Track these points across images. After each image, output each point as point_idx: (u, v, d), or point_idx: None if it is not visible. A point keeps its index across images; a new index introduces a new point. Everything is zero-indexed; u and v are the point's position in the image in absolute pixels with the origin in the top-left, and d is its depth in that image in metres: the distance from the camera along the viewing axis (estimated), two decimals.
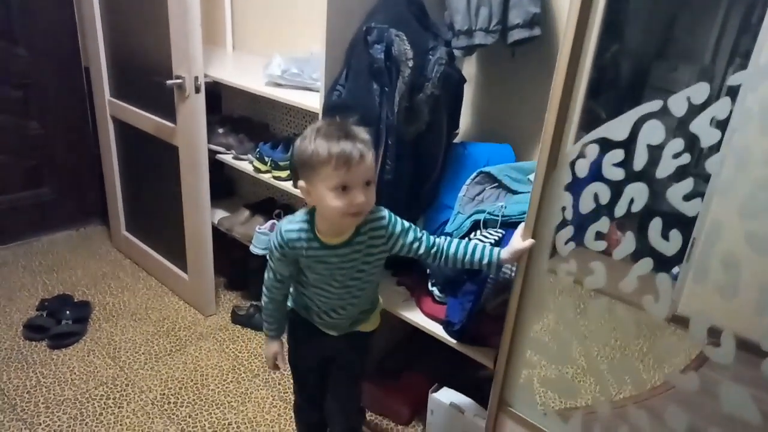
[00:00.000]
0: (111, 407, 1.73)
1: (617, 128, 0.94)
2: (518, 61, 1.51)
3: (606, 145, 0.97)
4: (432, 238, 1.19)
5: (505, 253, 1.14)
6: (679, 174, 0.88)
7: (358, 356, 1.33)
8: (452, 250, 1.17)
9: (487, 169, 1.44)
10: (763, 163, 0.80)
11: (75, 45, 2.52)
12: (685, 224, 0.90)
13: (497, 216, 1.33)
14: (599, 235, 1.00)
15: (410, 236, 1.17)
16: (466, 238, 1.27)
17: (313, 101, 1.64)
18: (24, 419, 1.66)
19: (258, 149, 1.94)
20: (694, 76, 1.48)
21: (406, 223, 1.18)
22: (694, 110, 0.84)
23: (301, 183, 1.10)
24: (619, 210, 0.95)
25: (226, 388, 1.84)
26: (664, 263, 0.93)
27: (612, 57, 1.59)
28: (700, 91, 0.83)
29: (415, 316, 1.49)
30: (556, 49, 1.45)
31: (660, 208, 0.91)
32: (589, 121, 1.01)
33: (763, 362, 0.82)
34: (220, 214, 2.27)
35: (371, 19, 1.34)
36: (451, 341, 1.40)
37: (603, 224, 0.98)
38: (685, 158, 0.87)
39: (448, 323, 1.39)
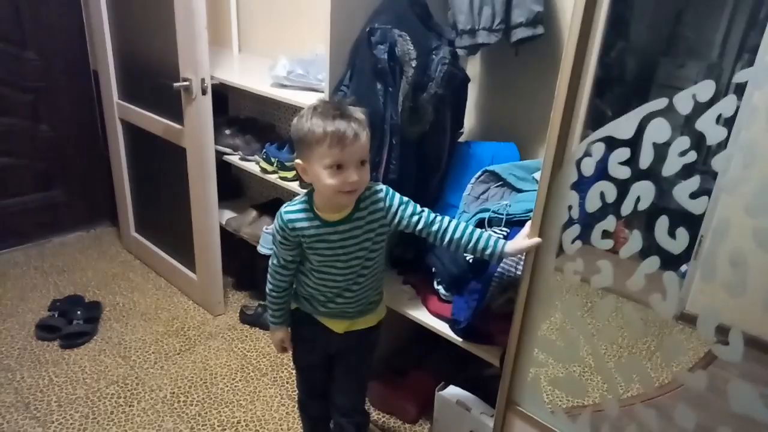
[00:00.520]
0: (122, 406, 1.75)
1: (623, 127, 0.93)
2: (522, 59, 1.50)
3: (612, 143, 0.96)
4: (433, 215, 1.19)
5: (508, 247, 1.14)
6: (686, 172, 0.88)
7: (364, 352, 1.34)
8: (457, 234, 1.16)
9: (491, 167, 1.44)
10: None
11: (83, 49, 2.55)
12: (693, 222, 0.90)
13: (502, 214, 1.33)
14: (606, 234, 0.99)
15: (409, 209, 1.17)
16: (473, 229, 1.26)
17: None
18: (37, 417, 1.68)
19: (264, 150, 1.95)
20: (702, 73, 1.47)
21: (405, 198, 1.18)
22: (700, 108, 0.84)
23: (297, 161, 1.11)
24: (626, 208, 0.95)
25: (235, 386, 1.85)
26: (671, 261, 0.93)
27: (618, 54, 1.58)
28: (705, 89, 0.83)
29: (421, 315, 1.50)
30: (559, 48, 1.45)
31: (667, 206, 0.91)
32: (596, 120, 1.01)
33: None
34: (228, 214, 2.28)
35: (375, 20, 1.34)
36: (457, 339, 1.40)
37: (609, 223, 0.98)
38: (692, 156, 0.86)
39: (454, 321, 1.39)
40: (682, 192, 0.87)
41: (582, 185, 1.02)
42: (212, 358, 1.98)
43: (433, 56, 1.38)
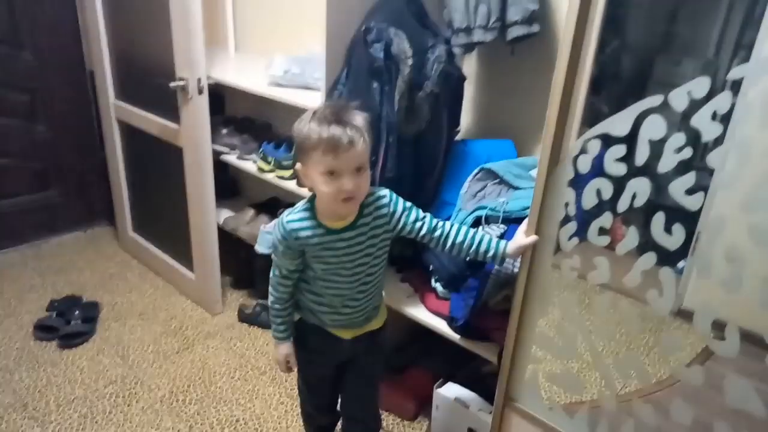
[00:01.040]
0: (120, 405, 1.75)
1: (619, 123, 0.93)
2: (517, 57, 1.50)
3: (608, 140, 0.97)
4: (435, 220, 1.17)
5: (510, 247, 1.13)
6: (681, 168, 0.88)
7: (375, 357, 1.31)
8: (459, 238, 1.15)
9: (488, 165, 1.44)
10: (764, 156, 0.80)
11: (79, 49, 2.54)
12: (689, 218, 0.90)
13: (499, 212, 1.33)
14: (602, 231, 1.00)
15: (413, 215, 1.16)
16: (475, 232, 1.26)
17: (315, 101, 1.64)
18: (36, 417, 1.68)
19: (261, 149, 1.95)
20: (698, 70, 1.48)
21: (408, 203, 1.17)
22: (695, 104, 0.84)
23: (297, 165, 1.09)
24: (622, 205, 0.95)
25: (234, 385, 1.85)
26: (668, 258, 0.93)
27: (614, 52, 1.59)
28: (700, 86, 0.83)
29: (419, 313, 1.50)
30: (555, 46, 1.45)
31: (663, 202, 0.91)
32: (593, 117, 1.01)
33: (767, 355, 0.82)
34: (225, 214, 2.28)
35: (370, 19, 1.34)
36: (455, 337, 1.40)
37: (606, 219, 0.98)
38: (687, 153, 0.87)
39: (452, 319, 1.40)
40: (677, 188, 0.87)
41: (579, 182, 1.02)
42: (211, 357, 1.98)
43: (429, 55, 1.39)
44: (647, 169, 0.92)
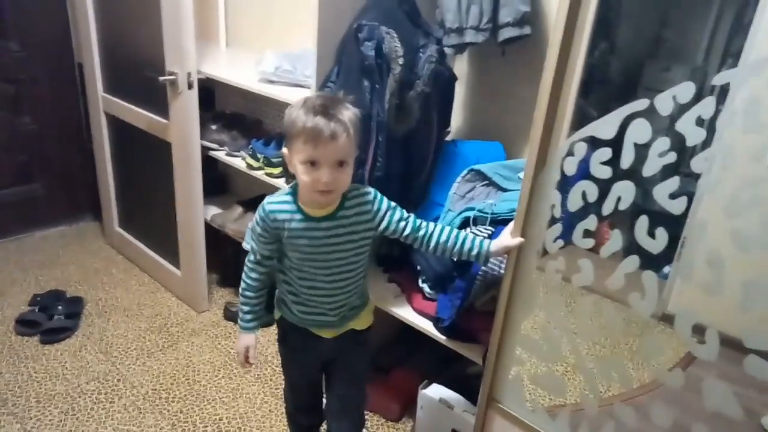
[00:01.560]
0: (102, 402, 1.73)
1: (605, 127, 0.94)
2: (509, 59, 1.51)
3: (595, 143, 0.97)
4: (419, 221, 1.17)
5: (493, 246, 1.14)
6: (666, 172, 0.89)
7: (358, 354, 1.29)
8: (442, 237, 1.15)
9: (477, 166, 1.44)
10: (746, 161, 0.81)
11: (68, 40, 2.51)
12: (675, 223, 0.91)
13: (487, 213, 1.33)
14: (587, 233, 1.00)
15: (396, 215, 1.16)
16: (458, 232, 1.26)
17: None
18: (15, 413, 1.66)
19: (251, 146, 1.94)
20: (687, 76, 1.49)
21: (392, 203, 1.17)
22: (680, 109, 0.85)
23: (284, 149, 1.10)
24: (607, 208, 0.96)
25: (218, 383, 1.84)
26: (651, 261, 0.94)
27: (604, 56, 1.60)
28: (685, 90, 0.84)
29: (406, 313, 1.50)
30: (546, 48, 1.45)
31: (649, 206, 0.92)
32: (582, 121, 1.02)
33: (745, 359, 0.83)
34: (213, 210, 2.26)
35: (362, 17, 1.34)
36: (441, 337, 1.40)
37: (591, 222, 0.99)
38: (672, 157, 0.87)
39: (438, 319, 1.40)
40: (661, 192, 0.88)
41: (565, 184, 1.02)
42: (195, 355, 1.96)
43: (421, 54, 1.38)
44: (632, 173, 0.92)
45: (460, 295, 1.34)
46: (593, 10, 0.97)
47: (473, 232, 1.32)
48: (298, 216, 1.11)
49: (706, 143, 0.86)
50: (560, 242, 1.05)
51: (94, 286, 2.31)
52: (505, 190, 1.44)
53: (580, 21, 0.95)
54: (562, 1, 0.93)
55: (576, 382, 1.13)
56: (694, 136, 0.84)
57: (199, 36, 2.07)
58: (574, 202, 1.00)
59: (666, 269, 1.24)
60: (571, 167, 1.00)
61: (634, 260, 0.94)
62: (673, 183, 0.87)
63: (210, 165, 2.18)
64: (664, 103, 0.86)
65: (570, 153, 1.00)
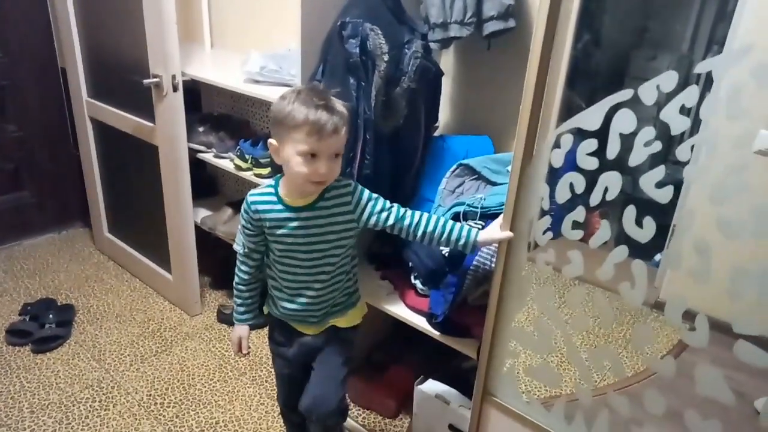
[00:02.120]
0: (97, 410, 1.71)
1: (590, 118, 0.94)
2: (494, 53, 1.51)
3: (581, 134, 0.97)
4: (403, 209, 1.18)
5: (481, 236, 1.15)
6: (652, 162, 0.89)
7: (338, 351, 1.28)
8: (429, 227, 1.16)
9: (466, 161, 1.44)
10: (731, 148, 0.81)
11: (51, 46, 2.48)
12: (664, 212, 0.91)
13: (477, 208, 1.33)
14: (576, 224, 1.00)
15: (378, 205, 1.17)
16: (445, 221, 1.26)
17: None
18: (8, 425, 1.64)
19: (239, 147, 1.93)
20: (672, 65, 1.50)
21: (374, 194, 1.18)
22: (664, 98, 0.85)
23: (272, 141, 1.11)
24: (594, 199, 0.96)
25: (213, 387, 1.83)
26: (641, 250, 0.94)
27: (590, 48, 1.60)
28: (669, 79, 0.84)
29: (399, 310, 1.50)
30: (531, 41, 1.46)
31: (638, 195, 0.92)
32: (570, 113, 1.02)
33: (735, 344, 0.84)
34: (203, 213, 2.25)
35: (346, 14, 1.33)
36: (435, 333, 1.40)
37: (579, 213, 0.99)
38: (657, 146, 0.88)
39: (431, 315, 1.39)
40: (647, 182, 0.88)
41: (552, 176, 1.02)
42: (189, 359, 1.95)
43: (406, 50, 1.38)
44: (618, 163, 0.93)
45: (453, 290, 1.33)
46: (578, 1, 0.97)
47: None
48: (278, 206, 1.15)
49: (692, 132, 0.86)
50: (549, 234, 1.05)
51: (85, 293, 2.29)
52: (494, 183, 1.44)
53: (564, 12, 0.95)
54: None
55: (570, 373, 1.14)
56: (678, 124, 0.84)
57: (184, 38, 2.05)
58: (562, 194, 1.00)
59: (657, 257, 1.25)
60: (558, 159, 1.00)
61: (623, 250, 0.94)
62: (659, 172, 0.87)
63: (198, 167, 2.16)
64: (648, 93, 0.86)
65: (557, 145, 1.00)
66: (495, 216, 1.24)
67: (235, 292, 1.29)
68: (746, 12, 1.24)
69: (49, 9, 2.42)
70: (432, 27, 1.41)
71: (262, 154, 1.86)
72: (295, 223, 1.14)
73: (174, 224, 2.07)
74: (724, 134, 0.83)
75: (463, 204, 1.36)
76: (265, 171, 1.86)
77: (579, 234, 1.00)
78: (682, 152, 0.85)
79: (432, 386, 1.53)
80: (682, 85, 0.85)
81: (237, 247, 1.26)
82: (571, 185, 0.99)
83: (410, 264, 1.49)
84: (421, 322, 1.44)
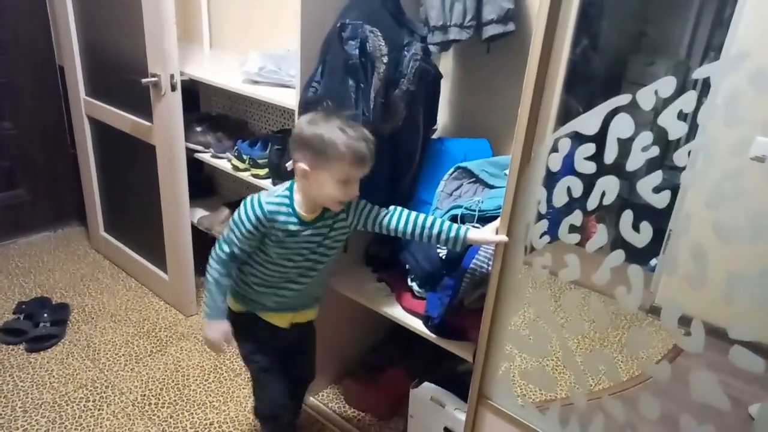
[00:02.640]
0: (90, 410, 1.70)
1: (588, 122, 0.94)
2: (493, 56, 1.51)
3: (578, 138, 0.98)
4: (393, 208, 1.25)
5: (472, 233, 1.18)
6: (649, 167, 0.89)
7: (311, 338, 1.48)
8: (419, 223, 1.21)
9: (464, 164, 1.44)
10: (727, 154, 0.81)
11: (49, 43, 2.47)
12: (660, 217, 0.91)
13: (474, 211, 1.33)
14: (573, 228, 1.01)
15: (369, 206, 1.25)
16: (434, 220, 1.27)
17: (291, 98, 1.63)
18: (1, 424, 1.63)
19: (236, 147, 1.92)
20: (670, 71, 1.51)
21: (367, 202, 1.25)
22: (662, 104, 0.85)
23: (301, 165, 1.14)
24: (592, 203, 0.96)
25: (208, 387, 1.82)
26: (637, 255, 0.95)
27: (589, 53, 1.61)
28: (667, 85, 0.84)
29: (396, 312, 1.49)
30: (530, 45, 1.46)
31: (636, 200, 0.93)
32: (568, 117, 1.02)
33: (731, 349, 0.84)
34: (200, 213, 2.24)
35: (345, 15, 1.33)
36: (431, 336, 1.40)
37: (576, 217, 0.99)
38: (654, 151, 0.88)
39: (428, 318, 1.39)
40: (644, 186, 0.88)
41: (550, 180, 1.02)
42: (184, 360, 1.94)
43: (405, 52, 1.38)
44: (616, 168, 0.93)
45: (450, 293, 1.33)
46: (576, 5, 0.97)
47: None
48: (293, 219, 1.19)
49: (689, 137, 0.86)
50: (546, 238, 1.05)
51: (80, 292, 2.28)
52: (492, 187, 1.44)
53: (563, 16, 0.95)
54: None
55: (565, 377, 1.14)
56: (676, 130, 0.85)
57: (183, 37, 2.05)
58: (560, 198, 1.00)
59: (653, 262, 1.26)
60: (555, 163, 1.00)
61: (619, 255, 0.95)
62: (656, 177, 0.87)
63: (195, 167, 2.16)
64: (646, 98, 0.86)
65: (555, 149, 1.00)
66: (492, 219, 1.24)
67: (213, 289, 1.23)
68: (744, 18, 1.24)
69: (47, 6, 2.41)
70: (431, 30, 1.41)
71: (260, 155, 1.86)
72: (303, 235, 1.20)
73: (170, 224, 2.07)
74: (721, 140, 0.83)
75: (460, 207, 1.36)
76: (263, 171, 1.85)
77: (576, 238, 1.00)
78: (679, 157, 0.85)
79: (428, 389, 1.53)
80: (679, 91, 0.85)
81: (224, 247, 1.22)
82: (569, 189, 0.99)
83: (407, 266, 1.49)
84: (417, 325, 1.44)
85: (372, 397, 1.72)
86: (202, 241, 2.17)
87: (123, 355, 1.95)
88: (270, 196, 1.20)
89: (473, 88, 1.66)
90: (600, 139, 0.95)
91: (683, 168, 0.87)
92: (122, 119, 2.10)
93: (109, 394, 1.77)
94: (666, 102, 0.86)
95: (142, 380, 1.83)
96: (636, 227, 0.91)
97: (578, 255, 1.02)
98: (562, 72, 1.01)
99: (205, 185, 2.47)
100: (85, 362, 1.90)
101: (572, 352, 1.09)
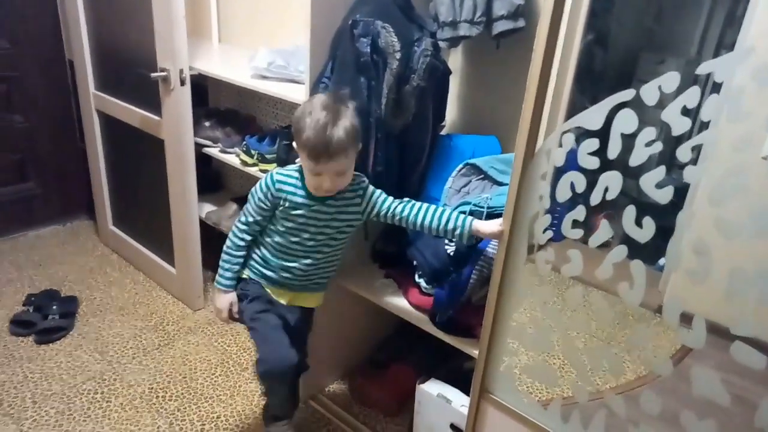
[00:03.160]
0: (99, 401, 1.73)
1: (592, 117, 0.95)
2: (503, 52, 1.51)
3: (582, 134, 0.98)
4: (407, 199, 1.29)
5: (476, 223, 1.20)
6: (653, 162, 0.90)
7: (309, 320, 1.49)
8: (428, 215, 1.24)
9: (472, 160, 1.44)
10: (730, 150, 0.81)
11: (58, 37, 2.50)
12: (667, 214, 0.91)
13: (483, 208, 1.33)
14: (576, 223, 1.01)
15: (383, 196, 1.29)
16: (443, 210, 1.29)
17: (300, 94, 1.64)
18: (11, 414, 1.66)
19: (245, 142, 1.94)
20: (680, 69, 1.50)
21: (382, 192, 1.30)
22: (666, 99, 0.85)
23: (294, 143, 1.20)
24: (595, 199, 0.96)
25: (215, 381, 1.84)
26: (643, 252, 0.95)
27: (599, 49, 1.60)
28: (671, 80, 0.85)
29: (403, 308, 1.50)
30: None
31: (642, 199, 0.93)
32: (575, 112, 1.02)
33: (731, 345, 0.84)
34: (208, 207, 2.26)
35: (356, 11, 1.33)
36: (438, 332, 1.41)
37: (579, 213, 1.00)
38: (658, 146, 0.88)
39: (435, 314, 1.40)
40: (647, 182, 0.88)
41: (554, 176, 1.03)
42: (192, 353, 1.96)
43: (416, 48, 1.37)
44: (619, 163, 0.93)
45: (457, 289, 1.34)
46: (586, 2, 0.97)
47: None
48: (300, 191, 1.24)
49: (693, 133, 0.87)
50: (550, 233, 1.06)
51: (88, 285, 2.31)
52: (500, 183, 1.44)
53: (573, 13, 0.96)
54: None
55: (567, 373, 1.14)
56: (679, 125, 0.85)
57: (192, 32, 2.07)
58: (563, 193, 1.01)
59: (661, 261, 1.25)
60: (560, 158, 1.01)
61: (622, 250, 0.95)
62: (659, 173, 0.87)
63: (204, 162, 2.18)
64: (650, 93, 0.86)
65: (559, 144, 1.00)
66: (500, 216, 1.24)
67: (225, 257, 1.33)
68: (757, 16, 1.24)
69: (57, 1, 2.43)
70: (441, 25, 1.41)
71: (268, 150, 1.87)
72: (310, 209, 1.24)
73: (178, 218, 2.09)
74: (725, 136, 0.84)
75: (469, 204, 1.36)
76: (271, 167, 1.87)
77: (579, 233, 1.00)
78: (682, 153, 0.85)
79: (434, 385, 1.53)
80: (683, 87, 0.85)
81: (241, 218, 1.32)
82: (572, 184, 0.99)
83: (414, 262, 1.50)
84: (424, 321, 1.45)
85: (378, 393, 1.73)
86: (210, 235, 2.19)
87: (131, 348, 1.97)
88: (284, 169, 1.28)
89: (482, 84, 1.66)
90: (604, 134, 0.95)
91: (686, 164, 0.87)
92: (131, 113, 2.12)
93: (117, 387, 1.79)
94: (668, 97, 0.86)
95: (150, 373, 1.86)
96: (639, 223, 0.91)
97: (582, 251, 1.02)
98: (572, 68, 1.02)
99: (213, 180, 2.49)
100: (93, 354, 1.93)
101: (575, 348, 1.10)
